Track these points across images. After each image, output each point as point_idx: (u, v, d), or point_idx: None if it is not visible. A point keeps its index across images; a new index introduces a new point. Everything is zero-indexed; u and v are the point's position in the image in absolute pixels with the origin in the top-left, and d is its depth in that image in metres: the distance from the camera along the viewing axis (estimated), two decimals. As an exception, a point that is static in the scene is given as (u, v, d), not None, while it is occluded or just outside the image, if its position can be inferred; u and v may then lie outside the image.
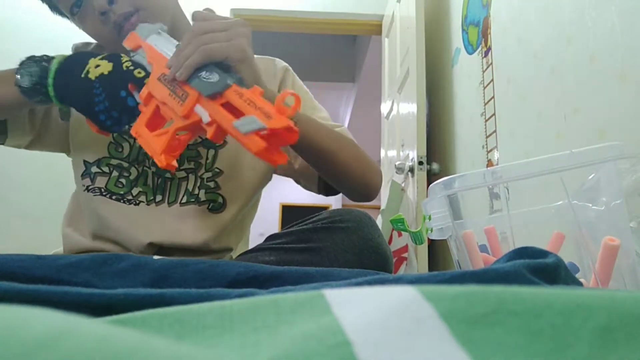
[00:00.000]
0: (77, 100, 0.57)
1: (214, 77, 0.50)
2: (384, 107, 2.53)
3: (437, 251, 1.85)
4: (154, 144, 0.51)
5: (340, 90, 4.95)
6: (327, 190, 0.82)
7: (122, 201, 0.73)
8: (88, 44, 0.80)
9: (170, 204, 0.74)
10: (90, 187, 0.74)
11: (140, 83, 0.56)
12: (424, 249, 1.68)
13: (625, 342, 0.16)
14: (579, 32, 1.01)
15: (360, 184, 0.75)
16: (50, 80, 0.57)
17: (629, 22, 0.86)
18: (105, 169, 0.74)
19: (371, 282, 0.32)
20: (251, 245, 0.87)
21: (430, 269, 1.72)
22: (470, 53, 1.70)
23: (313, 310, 0.20)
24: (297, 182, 0.85)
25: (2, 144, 0.73)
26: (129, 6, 0.64)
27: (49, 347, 0.11)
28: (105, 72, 0.56)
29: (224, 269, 0.44)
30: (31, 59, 0.58)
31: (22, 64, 0.58)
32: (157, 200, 0.74)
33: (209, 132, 0.47)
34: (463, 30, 1.79)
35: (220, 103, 0.47)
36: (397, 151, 2.13)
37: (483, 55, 1.57)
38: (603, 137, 0.91)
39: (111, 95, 0.55)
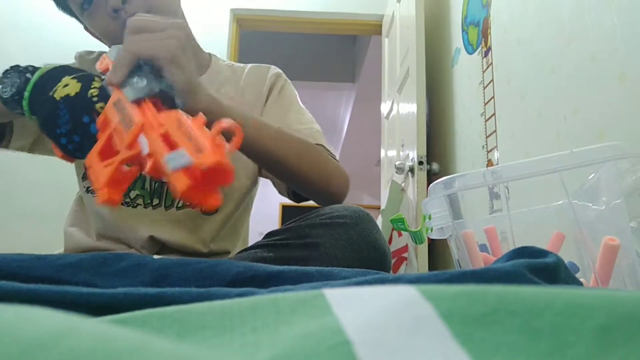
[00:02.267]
0: (42, 118, 0.53)
1: (142, 83, 0.48)
2: (384, 107, 2.53)
3: (437, 251, 1.85)
4: (100, 175, 0.45)
5: (340, 90, 4.94)
6: (296, 196, 0.80)
7: (120, 203, 0.73)
8: (91, 52, 0.81)
9: (167, 207, 0.74)
10: (90, 189, 0.76)
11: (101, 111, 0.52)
12: (424, 248, 1.68)
13: (625, 342, 0.16)
14: (579, 32, 1.01)
15: (320, 189, 0.73)
16: (26, 94, 0.53)
17: (629, 22, 0.86)
18: None
19: (371, 281, 0.32)
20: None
21: (430, 268, 1.72)
22: (470, 53, 1.70)
23: (313, 310, 0.20)
24: (274, 186, 0.85)
25: (6, 147, 0.74)
26: (142, 7, 0.64)
27: (49, 347, 0.11)
28: (72, 94, 0.52)
29: (224, 268, 0.45)
30: (15, 68, 0.55)
31: (5, 72, 0.55)
32: (154, 203, 0.74)
33: (147, 166, 0.42)
34: (463, 30, 1.79)
35: (159, 133, 0.42)
36: (397, 151, 2.13)
37: (483, 55, 1.57)
38: (603, 137, 0.91)
39: (73, 119, 0.52)
